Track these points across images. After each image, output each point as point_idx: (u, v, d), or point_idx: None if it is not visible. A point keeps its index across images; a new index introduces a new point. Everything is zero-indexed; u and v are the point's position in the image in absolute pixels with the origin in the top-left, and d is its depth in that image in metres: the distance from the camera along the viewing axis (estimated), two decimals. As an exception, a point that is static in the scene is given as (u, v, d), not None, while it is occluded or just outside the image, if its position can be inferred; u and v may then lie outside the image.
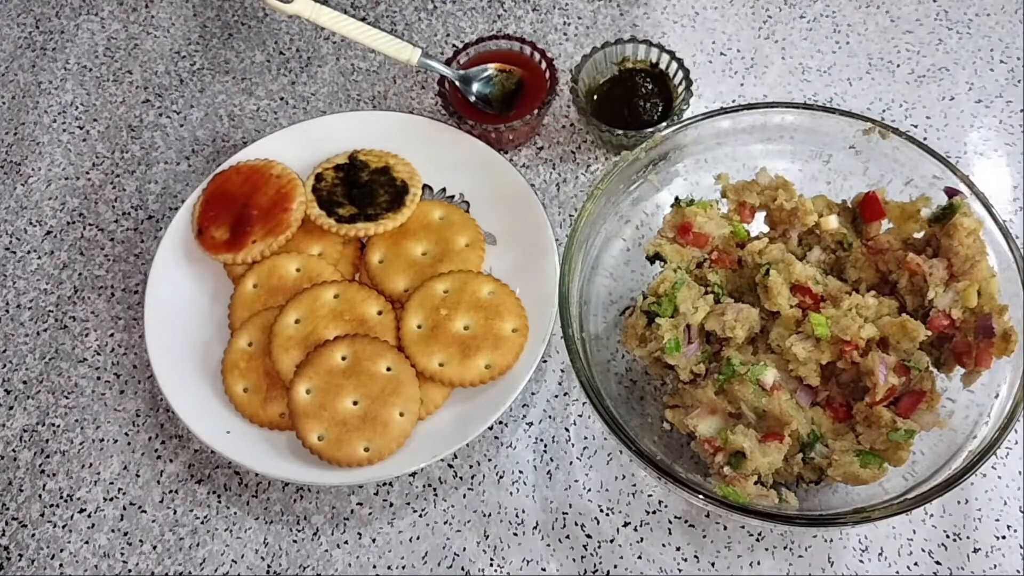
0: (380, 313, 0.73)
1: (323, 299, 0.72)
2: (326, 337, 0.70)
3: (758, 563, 0.65)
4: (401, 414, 0.68)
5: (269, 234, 0.74)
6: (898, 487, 0.58)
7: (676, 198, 0.69)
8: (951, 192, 0.63)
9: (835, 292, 0.64)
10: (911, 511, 0.55)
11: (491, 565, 0.66)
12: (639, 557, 0.66)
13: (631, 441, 0.57)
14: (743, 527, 0.66)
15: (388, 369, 0.69)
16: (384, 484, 0.70)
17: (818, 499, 0.62)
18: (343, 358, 0.69)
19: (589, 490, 0.68)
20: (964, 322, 0.60)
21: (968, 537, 0.65)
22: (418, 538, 0.68)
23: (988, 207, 0.61)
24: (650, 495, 0.68)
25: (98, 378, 0.76)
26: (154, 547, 0.69)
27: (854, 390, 0.62)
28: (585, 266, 0.66)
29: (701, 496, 0.55)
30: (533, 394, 0.72)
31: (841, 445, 0.60)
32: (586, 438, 0.70)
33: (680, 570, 0.65)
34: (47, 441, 0.74)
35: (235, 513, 0.70)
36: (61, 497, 0.71)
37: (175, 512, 0.70)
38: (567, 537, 0.67)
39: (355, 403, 0.68)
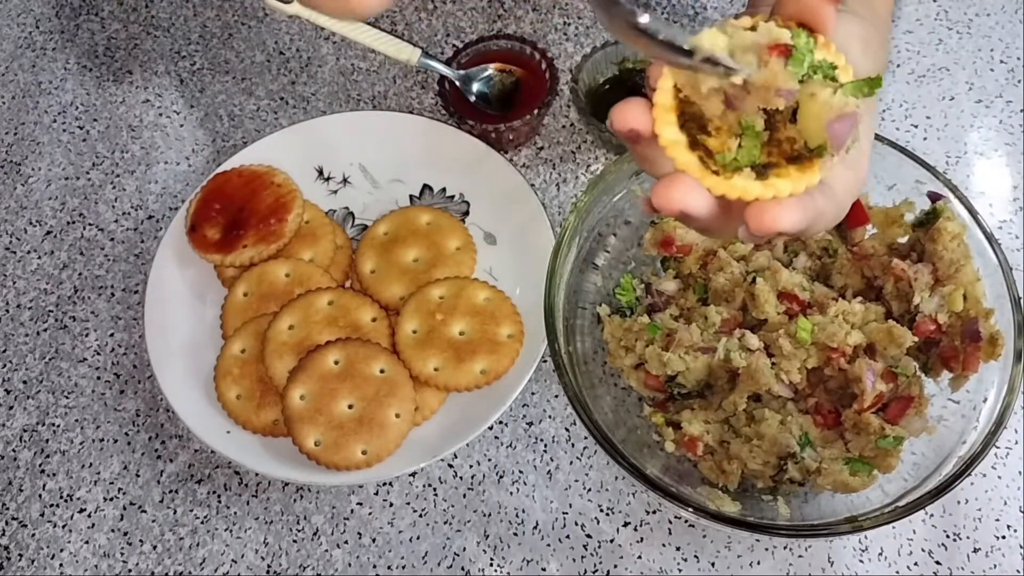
0: (374, 320, 0.73)
1: (317, 305, 0.72)
2: (319, 343, 0.70)
3: (758, 563, 0.65)
4: (397, 415, 0.68)
5: (261, 241, 0.74)
6: (898, 489, 0.58)
7: (651, 221, 0.69)
8: (934, 196, 0.63)
9: (822, 298, 0.64)
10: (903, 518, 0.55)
11: (491, 565, 0.66)
12: (639, 557, 0.66)
13: (621, 456, 0.57)
14: (743, 527, 0.66)
15: (381, 371, 0.69)
16: (384, 484, 0.70)
17: (817, 502, 0.62)
18: (336, 362, 0.69)
19: (589, 490, 0.68)
20: (950, 326, 0.60)
21: (968, 537, 0.65)
22: (418, 538, 0.68)
23: (972, 211, 0.61)
24: (650, 495, 0.68)
25: (98, 378, 0.76)
26: (154, 547, 0.69)
27: (842, 397, 0.62)
28: (573, 276, 0.66)
29: (691, 509, 0.56)
30: (533, 394, 0.72)
31: (830, 453, 0.60)
32: (586, 438, 0.70)
33: (680, 570, 0.65)
34: (47, 441, 0.74)
35: (235, 513, 0.70)
36: (61, 497, 0.71)
37: (175, 512, 0.70)
38: (567, 537, 0.67)
39: (350, 406, 0.68)
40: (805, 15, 0.38)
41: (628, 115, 0.38)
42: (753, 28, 0.38)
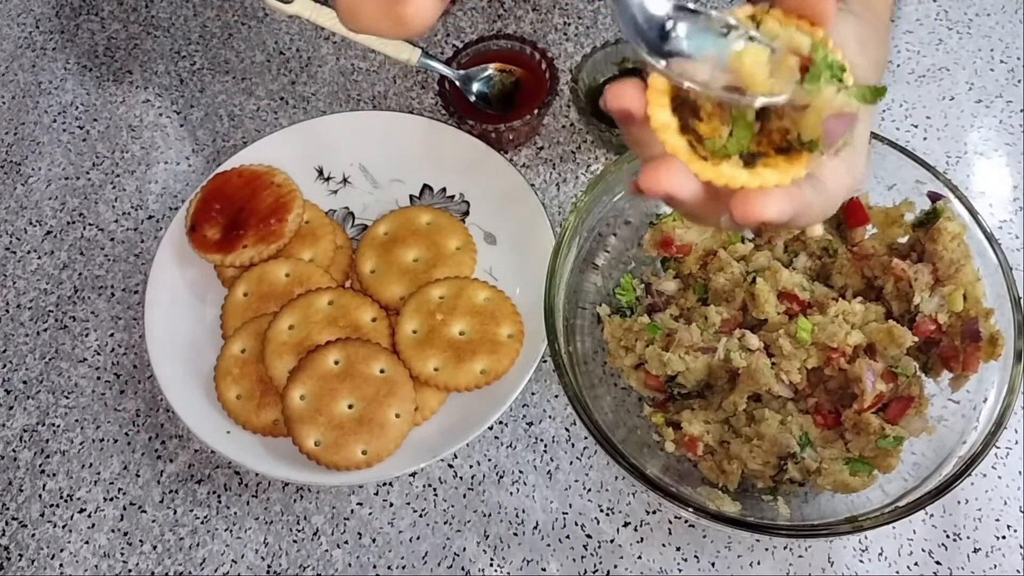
0: (374, 320, 0.73)
1: (317, 305, 0.72)
2: (319, 343, 0.70)
3: (758, 563, 0.65)
4: (397, 415, 0.68)
5: (261, 241, 0.74)
6: (898, 489, 0.58)
7: (650, 221, 0.69)
8: (934, 196, 0.63)
9: (822, 299, 0.64)
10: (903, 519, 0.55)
11: (491, 565, 0.66)
12: (639, 557, 0.66)
13: (621, 456, 0.57)
14: (743, 527, 0.66)
15: (382, 371, 0.69)
16: (384, 484, 0.70)
17: (817, 502, 0.62)
18: (336, 362, 0.69)
19: (589, 490, 0.68)
20: (950, 327, 0.60)
21: (968, 537, 0.65)
22: (418, 538, 0.68)
23: (972, 211, 0.61)
24: (650, 495, 0.68)
25: (98, 378, 0.76)
26: (154, 547, 0.69)
27: (842, 397, 0.62)
28: (573, 276, 0.66)
29: (691, 509, 0.56)
30: (533, 394, 0.72)
31: (830, 453, 0.60)
32: (586, 438, 0.70)
33: (680, 570, 0.65)
34: (47, 441, 0.74)
35: (235, 513, 0.70)
36: (61, 497, 0.71)
37: (175, 512, 0.70)
38: (567, 537, 0.67)
39: (350, 406, 0.68)
40: (805, 8, 0.38)
41: (622, 95, 0.39)
42: (753, 17, 0.38)
